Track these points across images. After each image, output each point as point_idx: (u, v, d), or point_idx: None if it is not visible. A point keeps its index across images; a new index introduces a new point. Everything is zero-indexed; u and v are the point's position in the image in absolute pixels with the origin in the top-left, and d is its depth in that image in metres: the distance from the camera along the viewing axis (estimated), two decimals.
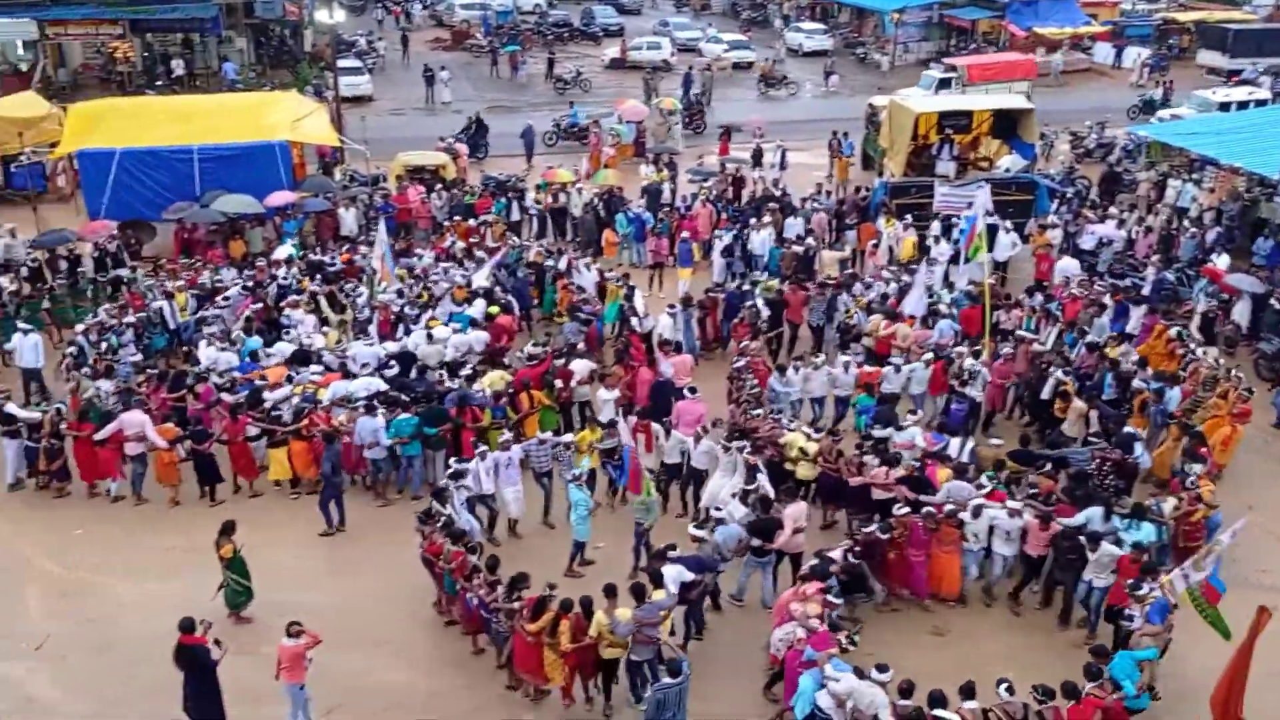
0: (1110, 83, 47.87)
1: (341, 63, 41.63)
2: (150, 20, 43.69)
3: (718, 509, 14.35)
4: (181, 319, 21.14)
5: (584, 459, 15.77)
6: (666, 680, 11.34)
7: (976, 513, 14.02)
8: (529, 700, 12.68)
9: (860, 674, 11.04)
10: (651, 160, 32.36)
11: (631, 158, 35.11)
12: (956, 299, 21.30)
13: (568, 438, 16.16)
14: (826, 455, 15.51)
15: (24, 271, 23.13)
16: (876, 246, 24.72)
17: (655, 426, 16.28)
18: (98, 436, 16.37)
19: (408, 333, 20.24)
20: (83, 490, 17.06)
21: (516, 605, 12.31)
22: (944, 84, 41.48)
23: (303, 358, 18.79)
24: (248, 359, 18.91)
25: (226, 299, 21.35)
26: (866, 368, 18.45)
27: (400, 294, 21.95)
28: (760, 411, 16.70)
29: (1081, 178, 30.34)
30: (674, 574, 12.81)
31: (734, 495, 14.76)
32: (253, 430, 16.69)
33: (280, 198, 26.35)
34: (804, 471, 15.72)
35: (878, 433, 16.54)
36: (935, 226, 24.71)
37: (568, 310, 21.43)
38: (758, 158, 32.38)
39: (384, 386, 17.68)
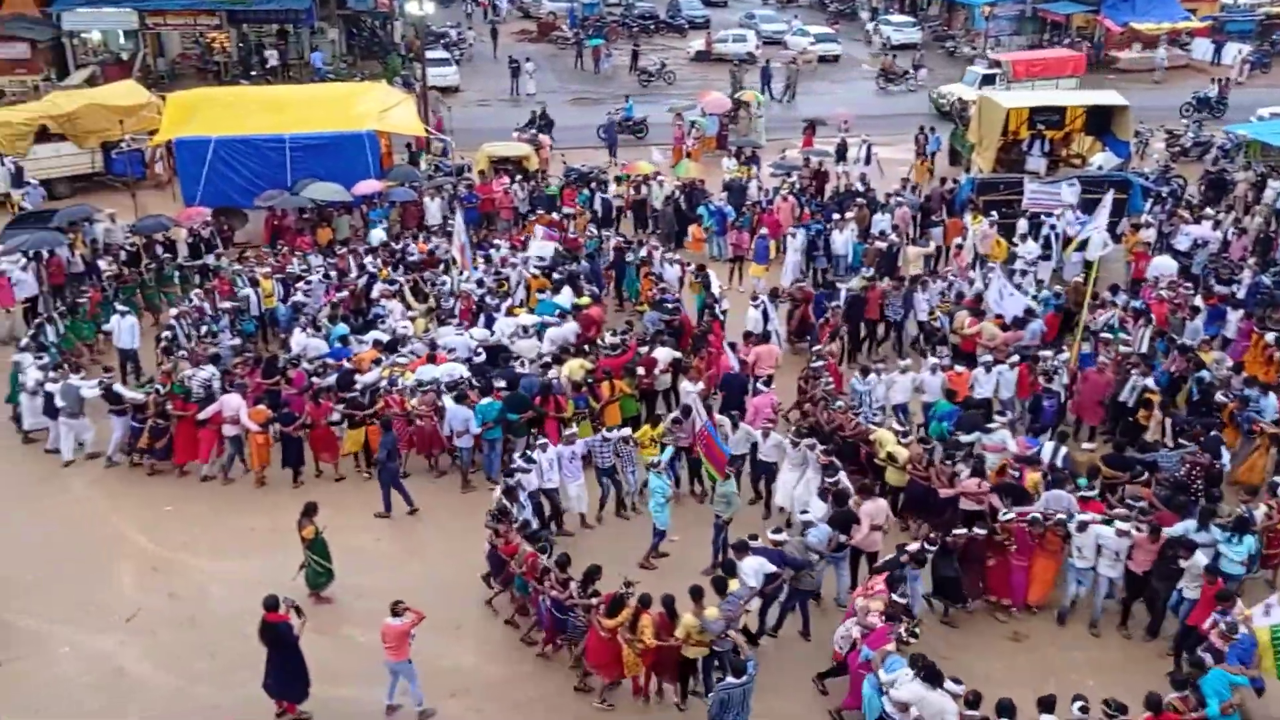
0: (1208, 80, 46.37)
1: (430, 54, 42.11)
2: (246, 11, 44.71)
3: (805, 512, 14.19)
4: (267, 305, 21.62)
5: (666, 450, 15.72)
6: (730, 680, 11.26)
7: (1082, 528, 13.48)
8: (602, 706, 12.58)
9: (930, 680, 10.81)
10: (733, 153, 32.18)
11: (714, 150, 35.03)
12: (1046, 299, 20.86)
13: (628, 432, 16.18)
14: (917, 463, 15.10)
15: (122, 255, 23.83)
16: (960, 246, 24.31)
17: (720, 418, 16.30)
18: (200, 416, 16.87)
19: (489, 322, 20.44)
20: (174, 469, 17.50)
21: (594, 601, 12.28)
22: (988, 80, 40.73)
23: (392, 344, 19.13)
24: (338, 344, 19.29)
25: (308, 285, 21.77)
26: (957, 369, 18.04)
27: (480, 283, 22.20)
28: (840, 404, 16.55)
29: (1177, 177, 29.45)
30: (755, 565, 12.70)
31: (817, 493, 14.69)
32: (335, 416, 17.04)
33: (367, 186, 26.79)
34: (892, 477, 15.38)
35: (965, 438, 16.11)
36: (1022, 224, 24.24)
37: (650, 301, 21.41)
38: (842, 152, 32.02)
39: (467, 373, 17.90)
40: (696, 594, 12.10)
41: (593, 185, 28.66)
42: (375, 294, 21.73)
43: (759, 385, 17.59)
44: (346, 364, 18.33)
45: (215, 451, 17.25)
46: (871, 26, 57.29)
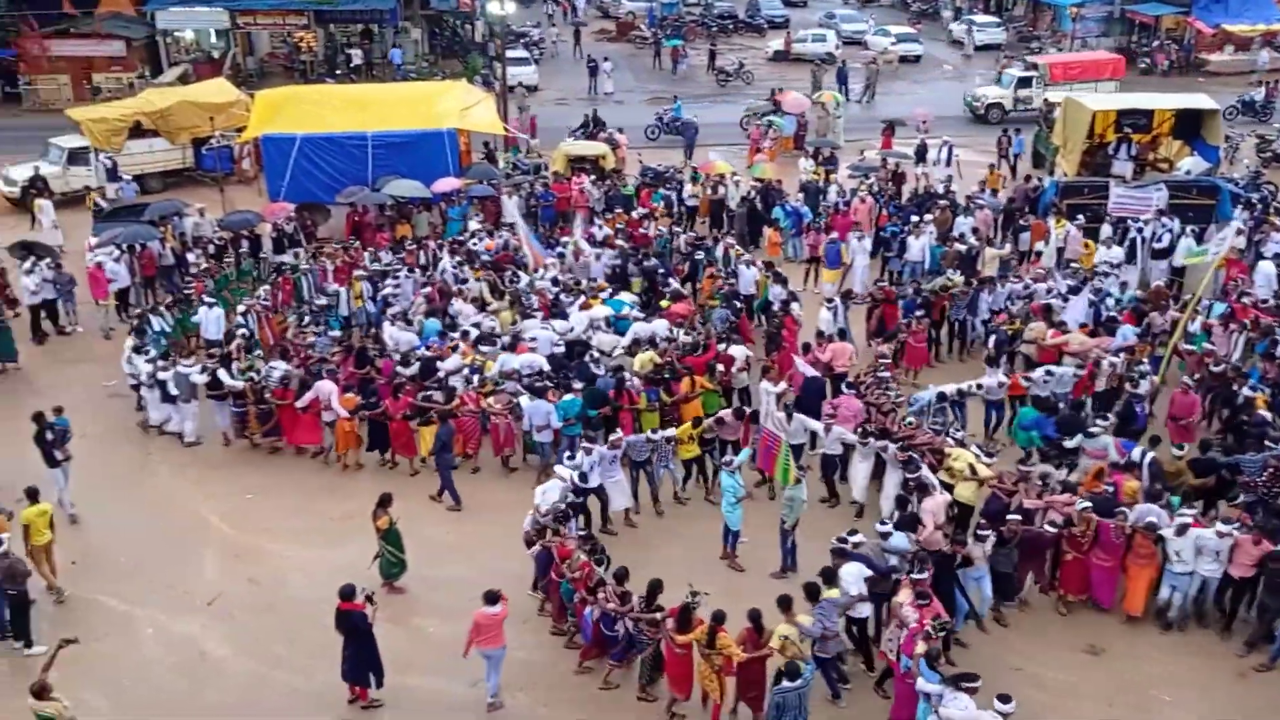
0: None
1: (510, 53, 42.52)
2: (333, 12, 45.62)
3: (883, 522, 14.02)
4: (356, 305, 21.99)
5: (743, 451, 15.76)
6: (785, 684, 11.19)
7: (1181, 531, 13.20)
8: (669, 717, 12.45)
9: (961, 689, 10.61)
10: (811, 154, 31.98)
11: (790, 151, 34.86)
12: (1128, 301, 20.44)
13: (670, 432, 16.20)
14: (1005, 479, 14.66)
15: (210, 249, 24.48)
16: (1039, 253, 23.89)
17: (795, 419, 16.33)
18: (298, 404, 17.41)
19: (564, 318, 20.63)
20: (245, 455, 18.07)
21: (659, 615, 12.13)
22: (1024, 82, 40.03)
23: (481, 339, 19.37)
24: (434, 339, 19.50)
25: (397, 282, 22.11)
26: (1021, 379, 17.81)
27: (555, 281, 22.43)
28: (912, 420, 16.35)
29: (1268, 183, 28.57)
30: (856, 571, 12.53)
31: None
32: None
33: (446, 184, 27.14)
34: (965, 493, 14.92)
35: (1069, 443, 15.76)
36: (1105, 229, 23.75)
37: (722, 297, 21.42)
38: (921, 153, 31.65)
39: (546, 365, 18.10)
40: (785, 603, 11.94)
41: (669, 185, 28.72)
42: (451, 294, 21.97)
43: (843, 387, 17.54)
44: (427, 352, 18.65)
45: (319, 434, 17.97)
46: (956, 27, 56.43)
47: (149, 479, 17.53)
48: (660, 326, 20.01)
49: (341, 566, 14.52)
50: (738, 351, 18.63)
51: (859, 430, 15.94)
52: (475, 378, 17.96)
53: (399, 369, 18.24)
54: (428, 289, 21.86)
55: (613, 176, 29.74)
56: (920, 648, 11.08)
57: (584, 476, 15.08)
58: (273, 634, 13.97)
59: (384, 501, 14.35)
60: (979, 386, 17.63)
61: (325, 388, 17.36)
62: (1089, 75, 39.52)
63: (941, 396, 17.37)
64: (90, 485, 16.78)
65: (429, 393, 17.48)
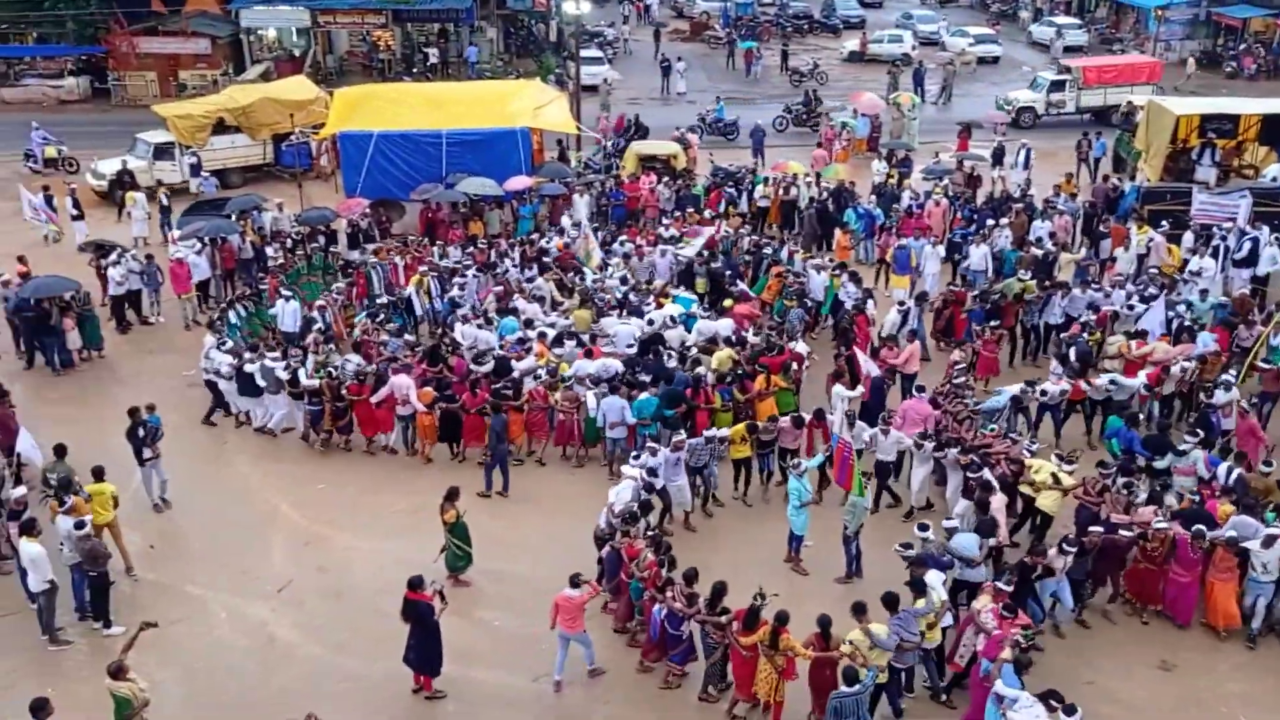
0: None
1: (584, 52, 42.72)
2: (410, 11, 46.24)
3: (950, 519, 13.97)
4: (423, 301, 22.27)
5: (812, 458, 15.71)
6: (844, 689, 11.12)
7: (1269, 543, 12.90)
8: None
9: (1050, 707, 10.49)
10: (884, 156, 31.67)
11: (864, 152, 34.56)
12: (1215, 309, 19.97)
13: (724, 433, 16.16)
14: (1089, 487, 14.41)
15: (287, 243, 24.98)
16: (1114, 259, 23.40)
17: (830, 419, 16.39)
18: (373, 399, 17.72)
19: (637, 314, 20.71)
20: (365, 441, 18.38)
21: (724, 619, 12.14)
22: (1057, 86, 39.17)
23: (559, 339, 19.47)
24: (510, 337, 19.65)
25: (464, 280, 22.37)
26: (1082, 385, 17.51)
27: (624, 280, 22.51)
28: (994, 427, 16.13)
29: None
30: (936, 579, 12.40)
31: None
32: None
33: (519, 182, 27.36)
34: (1047, 503, 14.64)
35: (1160, 464, 15.46)
36: (1188, 237, 23.19)
37: (793, 296, 21.32)
38: (998, 156, 31.17)
39: (621, 367, 18.20)
40: (859, 609, 11.84)
41: (739, 185, 28.66)
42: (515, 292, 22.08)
43: (913, 390, 17.40)
44: (500, 350, 18.80)
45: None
46: (1036, 29, 55.45)
47: (224, 468, 17.95)
48: (724, 325, 20.03)
49: (407, 557, 14.78)
50: (800, 348, 18.79)
51: (920, 435, 15.78)
52: (546, 377, 18.03)
53: (473, 366, 18.41)
54: (498, 288, 22.05)
55: (683, 177, 29.76)
56: (1006, 653, 11.05)
57: (652, 472, 15.14)
58: (339, 621, 14.23)
59: (451, 495, 14.52)
60: (1042, 392, 17.30)
61: (402, 382, 17.59)
62: (1124, 79, 38.84)
63: (1016, 400, 17.13)
64: (167, 472, 17.24)
65: (500, 388, 17.64)
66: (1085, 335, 19.31)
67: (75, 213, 26.90)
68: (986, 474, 14.38)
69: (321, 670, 13.36)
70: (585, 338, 19.66)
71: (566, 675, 13.04)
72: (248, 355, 18.57)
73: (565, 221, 26.04)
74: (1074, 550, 13.10)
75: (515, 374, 18.10)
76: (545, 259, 23.78)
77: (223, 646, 13.80)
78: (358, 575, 15.18)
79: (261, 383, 18.37)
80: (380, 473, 17.78)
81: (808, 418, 16.43)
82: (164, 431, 16.55)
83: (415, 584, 12.44)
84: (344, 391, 18.00)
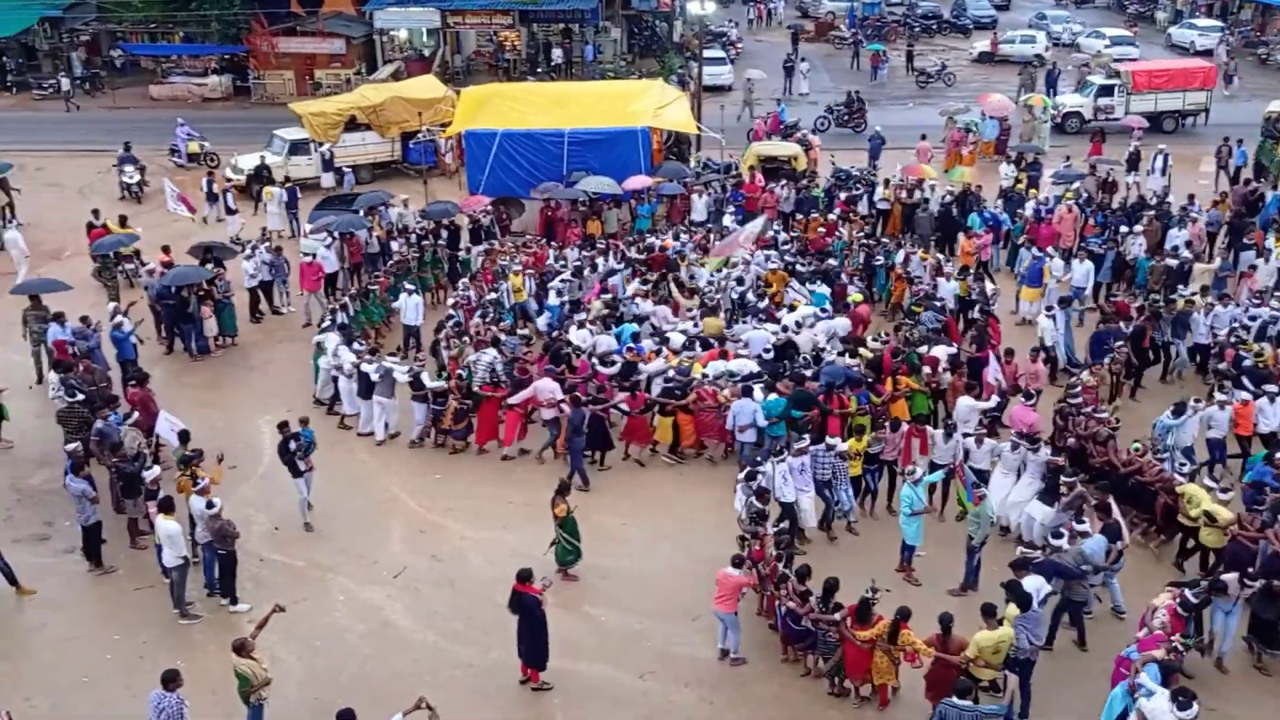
0: None
1: (706, 53, 42.70)
2: (537, 11, 46.93)
3: (1059, 536, 13.52)
4: (516, 300, 22.39)
5: (937, 471, 15.40)
6: (955, 700, 10.97)
7: None
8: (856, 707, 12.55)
9: (1181, 704, 10.25)
10: (1013, 160, 30.85)
11: (992, 156, 33.74)
12: None
13: (843, 446, 15.76)
14: (1246, 524, 13.62)
15: (412, 239, 25.60)
16: (1254, 267, 22.35)
17: (929, 430, 16.01)
18: (511, 401, 17.72)
19: (759, 318, 20.75)
20: (474, 449, 18.45)
21: (836, 616, 12.20)
22: (1105, 91, 37.41)
23: (688, 343, 19.48)
24: (630, 342, 19.49)
25: (563, 282, 22.37)
26: (1241, 396, 16.63)
27: (740, 280, 22.44)
28: (1139, 445, 15.51)
29: None
30: (1036, 584, 12.38)
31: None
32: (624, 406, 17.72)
33: (638, 181, 27.53)
34: (1209, 538, 14.00)
35: None
36: None
37: (919, 301, 21.07)
38: (1133, 161, 30.07)
39: (756, 367, 18.16)
40: (989, 611, 11.80)
41: (861, 187, 28.28)
42: (630, 292, 22.11)
43: (1021, 397, 16.90)
44: (628, 355, 18.74)
45: (519, 433, 18.14)
46: (1175, 31, 53.29)
47: (346, 454, 18.47)
48: (841, 324, 19.89)
49: (518, 549, 15.04)
50: (940, 351, 18.40)
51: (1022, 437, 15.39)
52: (681, 380, 17.83)
53: (599, 368, 18.39)
54: (606, 295, 22.07)
55: (804, 178, 29.49)
56: (1159, 652, 10.99)
57: (763, 494, 14.67)
58: (452, 609, 14.53)
59: (562, 489, 14.69)
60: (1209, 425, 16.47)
61: (546, 385, 17.60)
62: (1176, 84, 37.26)
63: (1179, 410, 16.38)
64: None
65: (671, 389, 17.68)
66: (1256, 360, 18.28)
67: (232, 207, 28.03)
68: (1078, 485, 14.27)
69: (434, 656, 13.67)
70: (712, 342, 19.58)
71: (672, 672, 13.12)
72: (368, 356, 18.69)
73: (727, 221, 25.73)
74: (1256, 586, 12.56)
75: (641, 376, 18.07)
76: (639, 257, 23.76)
77: (340, 628, 14.23)
78: (471, 565, 15.48)
79: (377, 383, 18.29)
80: (494, 465, 18.08)
81: (905, 425, 16.08)
82: (316, 445, 16.31)
83: (524, 576, 12.63)
84: (477, 390, 17.97)
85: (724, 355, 18.94)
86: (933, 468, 15.60)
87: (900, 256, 23.34)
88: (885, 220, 27.69)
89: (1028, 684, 12.14)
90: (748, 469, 15.25)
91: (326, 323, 20.38)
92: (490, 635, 13.63)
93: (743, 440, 16.96)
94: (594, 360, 18.71)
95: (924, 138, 32.37)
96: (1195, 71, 38.20)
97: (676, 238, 25.20)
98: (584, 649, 13.67)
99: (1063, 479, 14.48)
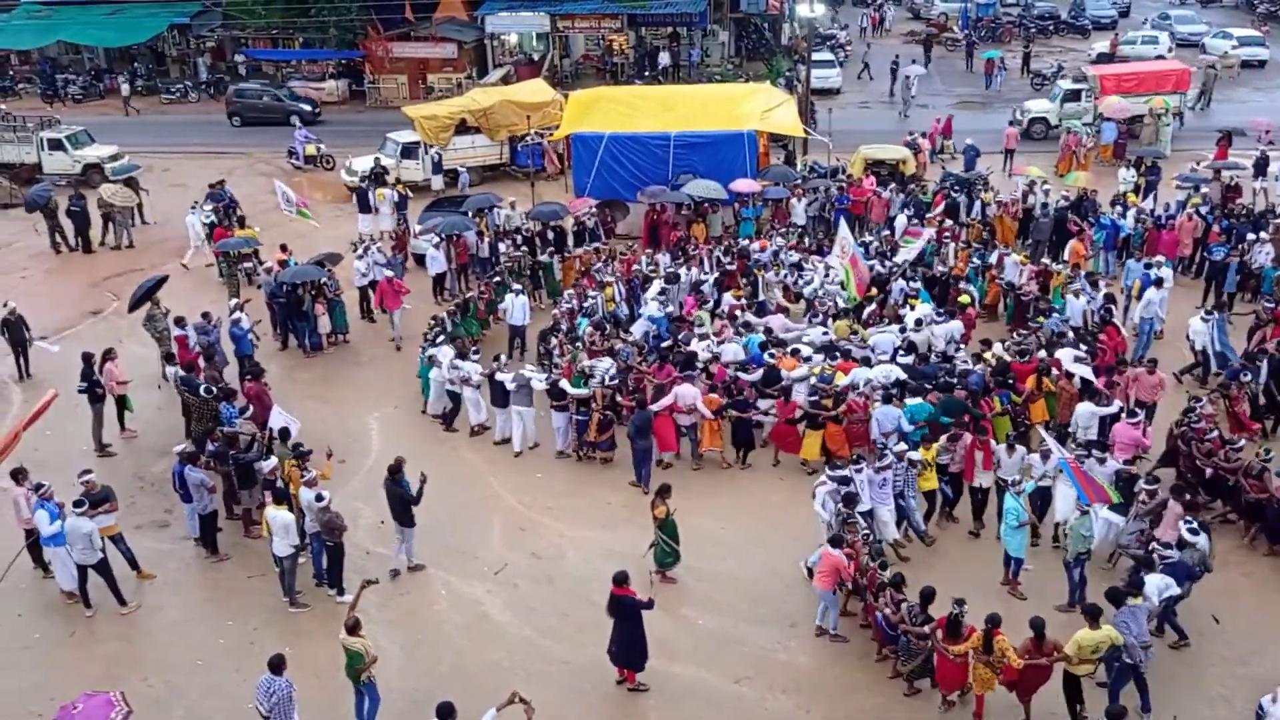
0: None
1: (815, 56, 42.34)
2: (645, 15, 47.15)
3: (1189, 521, 13.42)
4: (607, 309, 22.18)
5: (1028, 482, 14.99)
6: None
7: None
8: (945, 709, 12.51)
9: None
10: (1132, 164, 29.85)
11: (1110, 160, 32.72)
12: None
13: (917, 455, 15.41)
14: None
15: (519, 239, 25.95)
16: None
17: (993, 444, 15.49)
18: (654, 407, 17.49)
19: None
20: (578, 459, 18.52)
21: (926, 629, 12.12)
22: (1072, 96, 35.98)
23: (827, 349, 19.28)
24: (756, 351, 19.27)
25: (664, 292, 22.08)
26: None
27: (843, 284, 22.17)
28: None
29: None
30: (1160, 584, 12.55)
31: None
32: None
33: (744, 185, 27.40)
34: None
35: None
36: None
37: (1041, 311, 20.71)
38: (1262, 166, 28.81)
39: (902, 374, 17.95)
40: (1093, 612, 11.85)
41: (970, 193, 27.67)
42: (725, 305, 21.72)
43: (1124, 415, 16.31)
44: (770, 361, 18.55)
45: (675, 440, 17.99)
46: None
47: (449, 452, 18.79)
48: (955, 327, 19.74)
49: (616, 550, 15.14)
50: (1064, 355, 18.06)
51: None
52: (824, 388, 17.49)
53: (739, 374, 18.16)
54: (708, 305, 21.87)
55: (914, 182, 29.03)
56: None
57: (845, 481, 14.66)
58: (549, 606, 14.67)
59: (663, 492, 14.70)
60: None
61: (688, 391, 17.54)
62: (1146, 88, 35.37)
63: None
64: (396, 452, 18.17)
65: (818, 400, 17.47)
66: None
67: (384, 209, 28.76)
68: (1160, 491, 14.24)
69: (530, 651, 13.82)
70: (847, 346, 19.32)
71: (769, 679, 13.06)
72: (502, 364, 18.60)
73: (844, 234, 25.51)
74: None
75: (784, 382, 17.89)
76: (729, 264, 23.52)
77: (440, 620, 14.49)
78: (569, 563, 15.61)
79: (513, 391, 18.14)
80: (593, 466, 18.18)
81: (968, 437, 15.56)
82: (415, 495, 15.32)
83: (620, 580, 12.66)
84: (619, 399, 17.93)
85: (865, 362, 18.66)
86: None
87: (994, 257, 23.01)
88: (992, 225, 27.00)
89: (1141, 679, 12.03)
90: (841, 473, 14.99)
91: (434, 335, 20.19)
92: (585, 633, 13.73)
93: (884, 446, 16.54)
94: (732, 367, 18.53)
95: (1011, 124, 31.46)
96: (1167, 75, 36.57)
97: (773, 241, 25.07)
98: (680, 651, 13.67)
99: (1143, 486, 14.40)
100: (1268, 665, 11.89)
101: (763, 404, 17.74)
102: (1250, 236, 23.17)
